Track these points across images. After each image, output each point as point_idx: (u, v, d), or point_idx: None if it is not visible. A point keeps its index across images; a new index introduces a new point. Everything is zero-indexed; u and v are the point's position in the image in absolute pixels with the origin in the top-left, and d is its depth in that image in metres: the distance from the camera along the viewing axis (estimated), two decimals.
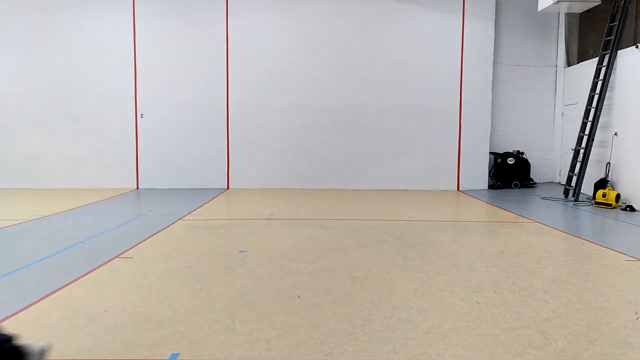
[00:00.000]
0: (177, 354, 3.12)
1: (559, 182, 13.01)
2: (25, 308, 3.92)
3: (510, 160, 12.49)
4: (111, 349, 3.20)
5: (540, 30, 12.97)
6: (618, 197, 9.37)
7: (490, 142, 12.60)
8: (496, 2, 12.39)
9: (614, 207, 9.29)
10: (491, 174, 12.69)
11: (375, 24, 12.17)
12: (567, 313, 3.89)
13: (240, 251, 5.84)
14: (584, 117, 10.81)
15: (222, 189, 12.22)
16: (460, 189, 12.38)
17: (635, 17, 9.80)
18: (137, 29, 12.06)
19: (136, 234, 6.87)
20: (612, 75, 10.19)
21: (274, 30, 12.19)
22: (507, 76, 12.89)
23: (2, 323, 3.61)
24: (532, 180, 12.79)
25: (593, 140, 10.40)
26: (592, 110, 10.54)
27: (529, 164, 12.68)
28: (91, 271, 4.96)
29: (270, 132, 12.26)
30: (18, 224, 7.39)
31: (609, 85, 10.22)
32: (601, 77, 10.42)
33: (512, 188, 12.44)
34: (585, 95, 10.93)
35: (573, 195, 10.49)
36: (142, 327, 3.55)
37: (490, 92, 12.41)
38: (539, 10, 11.16)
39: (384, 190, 12.19)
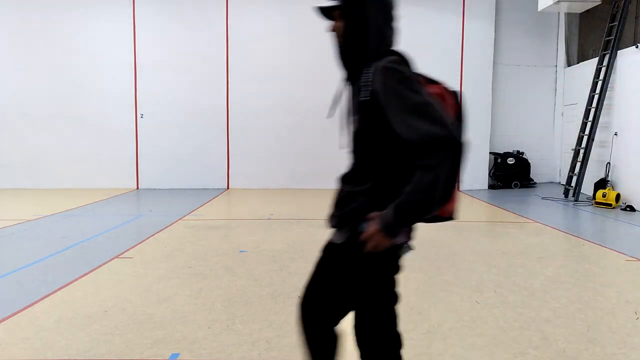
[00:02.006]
0: (177, 354, 3.12)
1: (559, 182, 13.01)
2: (25, 308, 3.92)
3: (510, 160, 12.49)
4: (111, 349, 3.20)
5: (540, 30, 12.97)
6: (618, 197, 9.37)
7: (490, 142, 12.60)
8: (496, 2, 12.39)
9: (614, 207, 9.29)
10: (491, 174, 12.69)
11: None
12: (567, 313, 3.89)
13: (240, 251, 5.84)
14: (584, 117, 10.81)
15: (222, 189, 12.22)
16: (460, 189, 12.38)
17: (635, 17, 9.81)
18: (137, 29, 12.07)
19: (136, 234, 6.87)
20: (612, 75, 10.18)
21: (274, 30, 12.18)
22: (507, 76, 12.89)
23: (2, 323, 3.61)
24: (532, 180, 12.79)
25: (593, 140, 10.40)
26: (592, 110, 10.54)
27: (529, 164, 12.67)
28: (91, 271, 4.96)
29: (270, 132, 12.26)
30: (18, 224, 7.39)
31: (609, 85, 10.22)
32: (601, 77, 10.41)
33: (512, 188, 12.44)
34: (585, 95, 10.93)
35: (573, 195, 10.49)
36: (142, 327, 3.55)
37: (490, 92, 12.41)
38: (539, 10, 11.17)
39: None
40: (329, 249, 1.87)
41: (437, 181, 1.51)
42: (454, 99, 1.80)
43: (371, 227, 1.64)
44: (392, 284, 1.89)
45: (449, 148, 1.50)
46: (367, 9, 1.73)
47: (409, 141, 1.56)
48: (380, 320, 1.88)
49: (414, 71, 1.72)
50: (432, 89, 1.75)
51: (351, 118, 1.79)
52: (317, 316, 1.90)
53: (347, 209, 1.77)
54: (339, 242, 1.80)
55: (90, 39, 12.06)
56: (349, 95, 1.81)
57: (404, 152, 1.63)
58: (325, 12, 1.81)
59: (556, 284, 4.64)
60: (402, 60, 1.70)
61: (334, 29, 1.79)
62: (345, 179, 1.83)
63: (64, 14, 12.02)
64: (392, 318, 1.92)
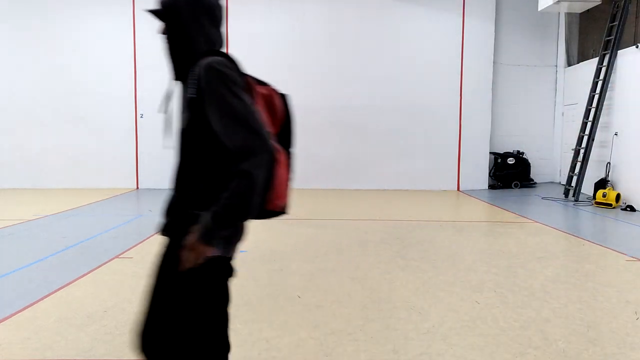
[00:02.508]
0: None
1: (559, 182, 13.00)
2: (25, 308, 3.92)
3: (511, 160, 12.48)
4: (111, 349, 3.20)
5: (540, 30, 12.96)
6: (618, 197, 9.37)
7: (490, 142, 12.60)
8: (496, 2, 12.38)
9: (614, 207, 9.29)
10: (491, 174, 12.69)
11: (375, 24, 12.17)
12: (567, 313, 3.89)
13: (240, 251, 5.83)
14: (584, 117, 10.81)
15: None
16: (460, 189, 12.38)
17: (635, 17, 9.80)
18: (137, 29, 12.06)
19: (136, 234, 6.86)
20: (612, 75, 10.18)
21: (274, 30, 12.18)
22: (507, 76, 12.88)
23: (2, 323, 3.61)
24: (532, 180, 12.79)
25: (593, 140, 10.40)
26: (592, 110, 10.54)
27: (529, 164, 12.67)
28: (91, 271, 4.96)
29: None
30: (18, 224, 7.39)
31: (609, 85, 10.22)
32: (601, 77, 10.42)
33: (512, 188, 12.44)
34: (585, 95, 10.93)
35: (573, 195, 10.49)
36: None
37: (490, 92, 12.41)
38: (539, 10, 11.16)
39: (384, 190, 12.19)
40: (162, 269, 1.80)
41: (252, 187, 1.58)
42: (282, 101, 1.86)
43: (190, 239, 1.62)
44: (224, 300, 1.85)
45: (263, 157, 1.59)
46: (187, 11, 1.74)
47: (226, 146, 1.63)
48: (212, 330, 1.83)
49: (241, 72, 1.73)
50: (260, 91, 1.79)
51: (180, 116, 1.81)
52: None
53: (173, 217, 1.75)
54: (170, 251, 1.76)
55: (91, 39, 12.06)
56: (179, 94, 1.82)
57: (225, 153, 1.66)
58: (157, 14, 1.81)
59: (556, 284, 4.64)
60: (227, 61, 1.70)
61: (163, 32, 1.80)
62: (174, 181, 1.80)
63: (64, 14, 12.02)
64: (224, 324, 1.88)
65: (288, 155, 1.85)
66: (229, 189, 1.59)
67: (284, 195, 1.77)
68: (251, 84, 1.76)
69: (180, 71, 1.79)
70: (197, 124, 1.71)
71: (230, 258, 1.82)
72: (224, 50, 1.82)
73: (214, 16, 1.80)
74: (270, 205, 1.71)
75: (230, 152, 1.62)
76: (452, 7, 12.14)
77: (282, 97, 1.88)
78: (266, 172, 1.60)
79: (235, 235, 1.79)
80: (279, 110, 1.84)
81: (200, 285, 1.73)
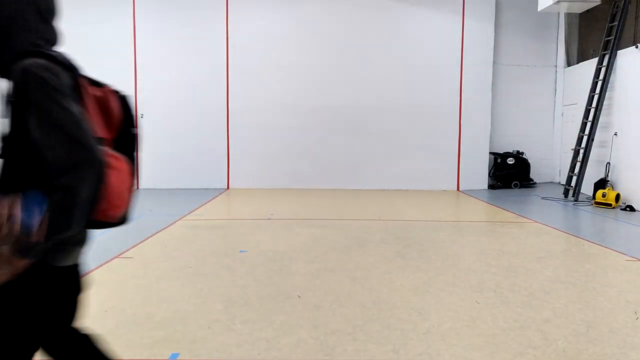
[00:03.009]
0: (177, 354, 3.13)
1: (559, 182, 13.01)
2: None
3: (510, 160, 12.49)
4: (111, 349, 3.19)
5: (540, 30, 12.97)
6: (618, 197, 9.37)
7: (490, 142, 12.60)
8: (496, 2, 12.39)
9: (613, 207, 9.30)
10: (491, 174, 12.69)
11: (375, 24, 12.17)
12: (567, 313, 3.89)
13: (240, 251, 5.84)
14: (583, 117, 10.82)
15: (222, 189, 12.22)
16: (460, 189, 12.38)
17: (635, 17, 9.81)
18: (137, 29, 12.07)
19: (136, 234, 6.86)
20: (612, 75, 10.19)
21: (274, 30, 12.19)
22: (507, 76, 12.89)
23: None
24: (532, 180, 12.79)
25: (593, 140, 10.40)
26: (592, 110, 10.55)
27: (528, 164, 12.68)
28: (91, 271, 4.95)
29: (270, 132, 12.26)
30: None
31: (608, 85, 10.23)
32: (601, 77, 10.42)
33: (512, 188, 12.44)
34: (585, 95, 10.93)
35: (573, 195, 10.49)
36: (142, 327, 3.55)
37: (490, 92, 12.41)
38: (539, 10, 11.17)
39: (384, 190, 12.20)
40: None
41: (73, 203, 1.47)
42: (120, 102, 1.77)
43: (3, 252, 1.49)
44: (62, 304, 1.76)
45: (89, 171, 1.47)
46: (7, 2, 1.57)
47: (45, 159, 1.49)
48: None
49: (71, 74, 1.60)
50: (93, 93, 1.69)
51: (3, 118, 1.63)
52: None
53: None
54: None
55: (91, 39, 12.05)
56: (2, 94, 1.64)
57: (47, 165, 1.51)
58: None
59: (556, 284, 4.64)
60: (50, 64, 1.53)
61: None
62: None
63: (63, 14, 11.99)
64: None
65: (130, 160, 1.73)
66: (49, 204, 1.47)
67: (120, 205, 1.65)
68: (82, 86, 1.63)
69: (2, 68, 1.58)
70: (18, 130, 1.54)
71: (68, 267, 1.70)
72: (59, 47, 1.68)
73: (45, 8, 1.64)
74: (101, 216, 1.60)
75: (51, 165, 1.47)
76: (452, 7, 12.14)
77: (121, 98, 1.77)
78: (92, 186, 1.48)
79: (67, 244, 1.66)
80: (115, 113, 1.73)
81: (11, 295, 1.61)
